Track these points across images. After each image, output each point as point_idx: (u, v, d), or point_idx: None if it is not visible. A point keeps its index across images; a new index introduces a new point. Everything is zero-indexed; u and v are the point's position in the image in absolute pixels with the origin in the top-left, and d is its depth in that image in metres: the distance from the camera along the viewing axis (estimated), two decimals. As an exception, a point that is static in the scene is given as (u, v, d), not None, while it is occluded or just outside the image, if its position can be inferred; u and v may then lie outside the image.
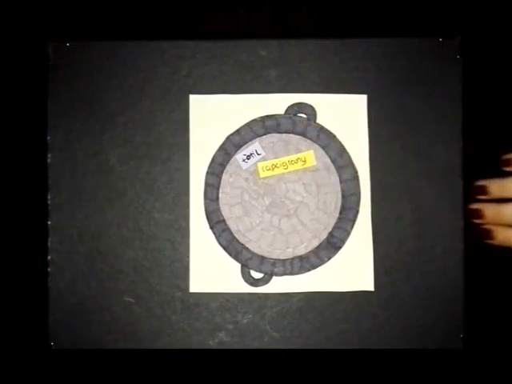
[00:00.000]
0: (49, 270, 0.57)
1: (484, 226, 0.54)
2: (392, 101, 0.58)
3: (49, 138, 0.58)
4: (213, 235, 0.57)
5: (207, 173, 0.57)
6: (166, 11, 0.61)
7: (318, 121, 0.57)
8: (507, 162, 0.53)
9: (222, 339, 0.57)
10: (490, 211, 0.54)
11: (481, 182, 0.54)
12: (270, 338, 0.57)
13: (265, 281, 0.57)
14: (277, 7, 0.61)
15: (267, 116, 0.57)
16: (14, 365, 0.60)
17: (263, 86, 0.58)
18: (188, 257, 0.57)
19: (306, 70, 0.58)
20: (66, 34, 0.61)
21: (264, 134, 0.57)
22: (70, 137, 0.58)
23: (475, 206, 0.55)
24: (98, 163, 0.58)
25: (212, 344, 0.57)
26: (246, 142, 0.57)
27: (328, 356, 0.59)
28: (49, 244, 0.57)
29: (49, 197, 0.57)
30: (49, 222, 0.57)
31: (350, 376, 0.59)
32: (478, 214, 0.54)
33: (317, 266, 0.57)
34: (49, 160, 0.58)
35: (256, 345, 0.57)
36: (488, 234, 0.54)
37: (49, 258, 0.57)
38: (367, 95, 0.58)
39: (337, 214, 0.57)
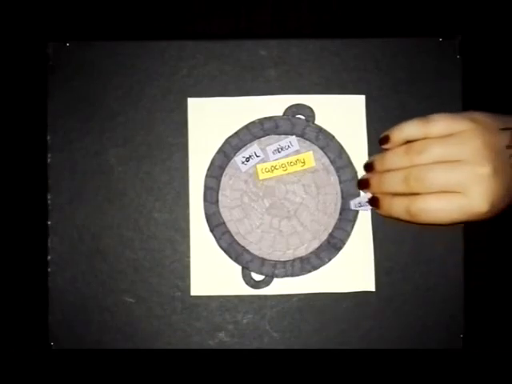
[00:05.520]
0: (49, 270, 0.57)
1: (371, 195, 0.56)
2: (392, 101, 0.58)
3: (49, 138, 0.58)
4: (213, 238, 0.57)
5: (206, 176, 0.57)
6: (166, 11, 0.61)
7: (316, 122, 0.57)
8: (383, 140, 0.54)
9: (222, 339, 0.57)
10: (373, 180, 0.55)
11: (367, 160, 0.57)
12: (270, 338, 0.57)
13: (266, 283, 0.57)
14: (277, 7, 0.61)
15: (266, 118, 0.57)
16: (14, 365, 0.60)
17: (263, 86, 0.58)
18: (188, 257, 0.57)
19: (306, 70, 0.58)
20: (66, 34, 0.60)
21: (263, 136, 0.57)
22: (70, 137, 0.58)
23: (363, 176, 0.57)
24: (98, 163, 0.58)
25: (212, 344, 0.57)
26: (244, 145, 0.57)
27: (328, 356, 0.59)
28: (49, 244, 0.57)
29: (49, 197, 0.57)
30: (49, 222, 0.57)
31: (350, 376, 0.59)
32: (364, 183, 0.56)
33: (318, 267, 0.57)
34: (49, 160, 0.58)
35: (256, 345, 0.57)
36: (374, 202, 0.55)
37: (49, 258, 0.57)
38: (365, 95, 0.58)
39: (337, 215, 0.57)
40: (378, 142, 0.55)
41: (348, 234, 0.57)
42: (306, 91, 0.58)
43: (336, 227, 0.57)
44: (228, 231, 0.57)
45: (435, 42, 0.58)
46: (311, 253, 0.57)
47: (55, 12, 0.61)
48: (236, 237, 0.57)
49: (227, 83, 0.58)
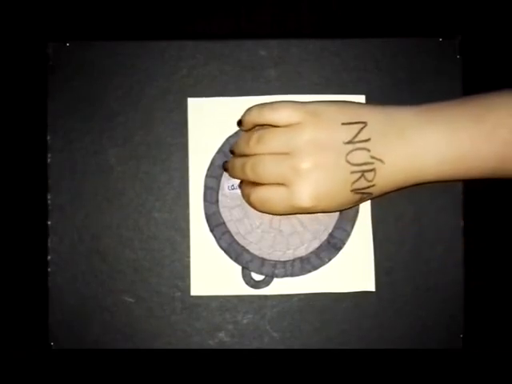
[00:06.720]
0: (49, 270, 0.57)
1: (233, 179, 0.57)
2: (392, 101, 0.57)
3: (49, 138, 0.58)
4: (213, 238, 0.57)
5: (206, 176, 0.57)
6: (166, 11, 0.61)
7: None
8: (238, 122, 0.55)
9: (222, 339, 0.57)
10: (229, 165, 0.56)
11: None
12: (270, 338, 0.57)
13: (266, 283, 0.57)
14: (277, 7, 0.61)
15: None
16: (14, 365, 0.60)
17: (263, 86, 0.58)
18: (188, 257, 0.57)
19: (306, 70, 0.58)
20: (66, 34, 0.61)
21: (263, 136, 0.57)
22: (70, 137, 0.58)
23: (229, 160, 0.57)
24: (97, 163, 0.58)
25: (212, 344, 0.57)
26: (244, 145, 0.57)
27: (328, 356, 0.59)
28: (49, 244, 0.57)
29: (49, 197, 0.57)
30: (49, 222, 0.57)
31: (350, 376, 0.59)
32: (225, 167, 0.56)
33: (318, 267, 0.57)
34: (49, 160, 0.58)
35: (256, 345, 0.57)
36: (239, 186, 0.57)
37: (49, 257, 0.57)
38: (365, 96, 0.58)
39: (337, 215, 0.57)
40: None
41: (348, 234, 0.57)
42: (306, 91, 0.58)
43: (336, 227, 0.57)
44: (228, 231, 0.57)
45: (435, 42, 0.58)
46: (311, 253, 0.57)
47: (55, 12, 0.61)
48: (236, 237, 0.57)
49: (227, 83, 0.58)
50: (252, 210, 0.57)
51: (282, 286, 0.57)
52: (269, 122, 0.51)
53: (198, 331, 0.57)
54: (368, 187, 0.50)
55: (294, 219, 0.57)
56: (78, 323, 0.57)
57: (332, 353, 0.58)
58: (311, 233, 0.57)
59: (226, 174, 0.57)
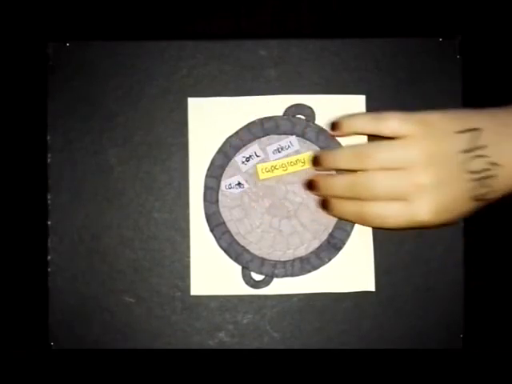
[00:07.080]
0: (49, 270, 0.57)
1: (321, 198, 0.55)
2: (392, 101, 0.58)
3: (49, 138, 0.58)
4: (213, 238, 0.57)
5: (206, 176, 0.57)
6: (166, 11, 0.61)
7: (316, 122, 0.57)
8: (335, 125, 0.54)
9: (222, 339, 0.57)
10: (322, 183, 0.54)
11: (315, 154, 0.55)
12: (270, 338, 0.57)
13: (266, 283, 0.57)
14: (277, 7, 0.61)
15: (266, 118, 0.57)
16: (14, 365, 0.60)
17: (263, 86, 0.58)
18: (188, 257, 0.57)
19: (306, 70, 0.58)
20: (66, 34, 0.61)
21: (263, 136, 0.57)
22: (69, 137, 0.58)
23: (310, 177, 0.56)
24: (97, 163, 0.58)
25: (212, 344, 0.57)
26: (245, 144, 0.57)
27: (328, 356, 0.59)
28: (49, 244, 0.57)
29: (49, 197, 0.57)
30: (49, 222, 0.57)
31: (350, 376, 0.59)
32: (312, 185, 0.55)
33: (317, 267, 0.57)
34: (49, 160, 0.58)
35: (256, 345, 0.57)
36: (324, 204, 0.55)
37: (49, 257, 0.57)
38: (366, 96, 0.58)
39: (337, 215, 0.57)
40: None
41: (348, 234, 0.57)
42: (306, 91, 0.58)
43: (336, 227, 0.57)
44: (228, 231, 0.57)
45: (435, 42, 0.58)
46: (311, 253, 0.57)
47: (55, 12, 0.61)
48: (236, 237, 0.57)
49: (227, 83, 0.58)
50: (252, 209, 0.57)
51: (281, 286, 0.57)
52: (375, 133, 0.50)
53: (198, 331, 0.57)
54: (487, 193, 0.48)
55: (294, 219, 0.57)
56: (78, 323, 0.57)
57: (332, 353, 0.58)
58: (311, 233, 0.57)
59: (224, 174, 0.57)
